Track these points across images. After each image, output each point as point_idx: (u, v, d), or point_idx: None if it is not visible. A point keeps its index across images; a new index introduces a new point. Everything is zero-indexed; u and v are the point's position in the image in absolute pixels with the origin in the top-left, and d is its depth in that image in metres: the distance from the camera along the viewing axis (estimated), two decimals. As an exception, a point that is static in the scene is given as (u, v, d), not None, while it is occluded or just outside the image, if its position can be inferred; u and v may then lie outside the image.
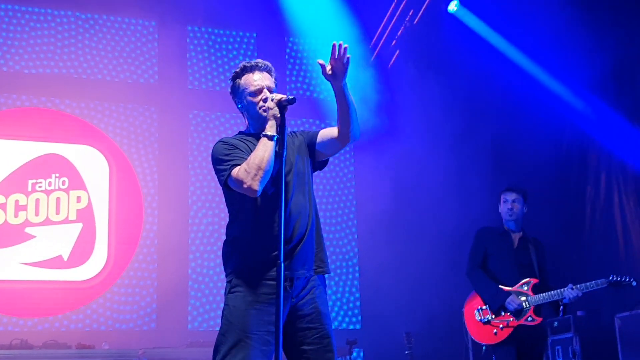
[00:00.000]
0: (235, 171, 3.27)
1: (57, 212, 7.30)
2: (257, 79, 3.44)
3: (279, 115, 3.25)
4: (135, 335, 7.25)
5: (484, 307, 5.41)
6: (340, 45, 3.22)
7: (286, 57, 8.37)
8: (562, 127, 7.86)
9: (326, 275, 3.49)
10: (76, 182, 7.41)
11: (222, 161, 3.35)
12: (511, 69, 7.83)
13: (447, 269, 7.64)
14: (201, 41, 8.09)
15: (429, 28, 7.80)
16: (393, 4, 7.81)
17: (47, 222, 7.26)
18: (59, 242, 7.27)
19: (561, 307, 5.33)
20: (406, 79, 8.09)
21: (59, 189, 7.34)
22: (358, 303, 8.14)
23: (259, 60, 3.52)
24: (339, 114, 3.38)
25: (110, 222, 7.43)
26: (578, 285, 5.26)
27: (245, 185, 3.21)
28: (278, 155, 3.22)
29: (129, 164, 7.62)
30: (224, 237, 3.46)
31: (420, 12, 7.61)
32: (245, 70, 3.47)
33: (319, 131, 3.55)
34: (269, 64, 3.52)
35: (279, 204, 3.13)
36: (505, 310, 5.34)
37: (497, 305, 5.33)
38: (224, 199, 3.47)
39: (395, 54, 7.89)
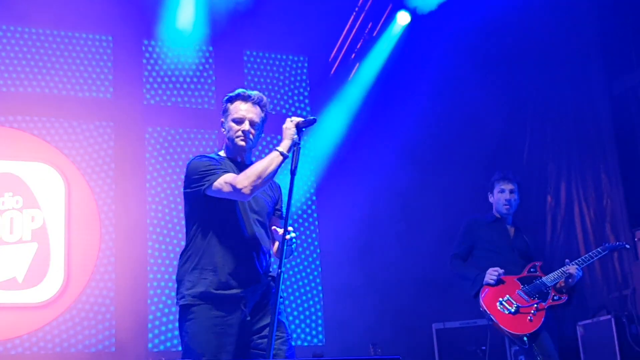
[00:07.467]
0: (231, 176, 3.36)
1: (11, 232, 7.09)
2: (244, 109, 3.57)
3: (296, 137, 3.35)
4: (93, 357, 7.06)
5: (504, 298, 5.27)
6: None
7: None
8: (522, 137, 7.93)
9: (282, 287, 3.53)
10: (30, 200, 7.20)
11: (207, 169, 3.43)
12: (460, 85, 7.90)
13: (412, 278, 7.63)
14: (156, 55, 7.94)
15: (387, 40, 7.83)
16: (352, 17, 7.82)
17: (0, 242, 7.04)
18: (13, 263, 7.05)
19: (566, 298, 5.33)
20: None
21: (13, 209, 7.13)
22: (320, 319, 8.04)
23: (255, 92, 3.66)
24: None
25: (66, 241, 7.23)
26: (577, 260, 5.33)
27: (240, 186, 3.29)
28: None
29: (85, 181, 7.45)
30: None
31: (379, 25, 7.64)
32: (239, 97, 3.62)
33: (280, 211, 3.75)
34: (264, 98, 3.66)
35: (240, 230, 3.38)
36: (530, 295, 5.25)
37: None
38: (183, 216, 3.54)
39: (355, 67, 7.91)
